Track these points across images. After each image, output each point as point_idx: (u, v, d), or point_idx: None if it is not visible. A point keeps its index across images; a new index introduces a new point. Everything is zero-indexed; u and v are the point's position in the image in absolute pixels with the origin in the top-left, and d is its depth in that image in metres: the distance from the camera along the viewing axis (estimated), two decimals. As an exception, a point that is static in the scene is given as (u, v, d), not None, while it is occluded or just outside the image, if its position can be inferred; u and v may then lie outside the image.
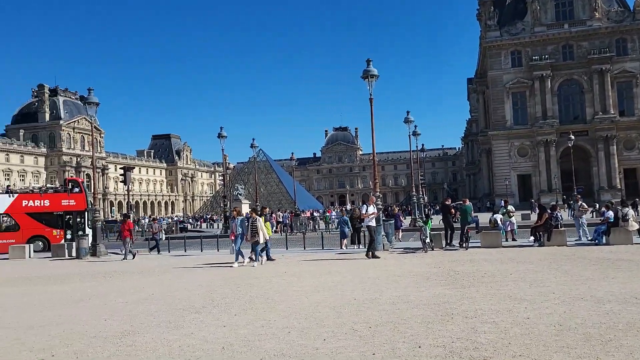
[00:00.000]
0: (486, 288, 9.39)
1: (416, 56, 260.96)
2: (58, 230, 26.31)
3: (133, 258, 19.50)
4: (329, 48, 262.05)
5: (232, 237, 15.86)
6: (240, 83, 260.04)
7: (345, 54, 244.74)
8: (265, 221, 17.16)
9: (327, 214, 47.61)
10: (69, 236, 25.90)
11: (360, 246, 19.81)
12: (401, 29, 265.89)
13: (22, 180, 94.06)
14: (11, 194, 26.69)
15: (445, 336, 6.05)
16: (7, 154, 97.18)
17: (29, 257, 22.18)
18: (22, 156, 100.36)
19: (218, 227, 49.37)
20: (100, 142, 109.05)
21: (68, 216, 26.78)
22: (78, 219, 26.52)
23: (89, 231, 24.77)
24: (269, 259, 16.41)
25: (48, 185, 58.49)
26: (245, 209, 61.84)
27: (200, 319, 7.65)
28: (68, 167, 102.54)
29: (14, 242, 24.02)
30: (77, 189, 27.39)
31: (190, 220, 61.55)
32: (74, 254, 21.62)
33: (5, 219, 26.11)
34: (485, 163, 79.37)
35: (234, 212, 16.73)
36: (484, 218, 27.66)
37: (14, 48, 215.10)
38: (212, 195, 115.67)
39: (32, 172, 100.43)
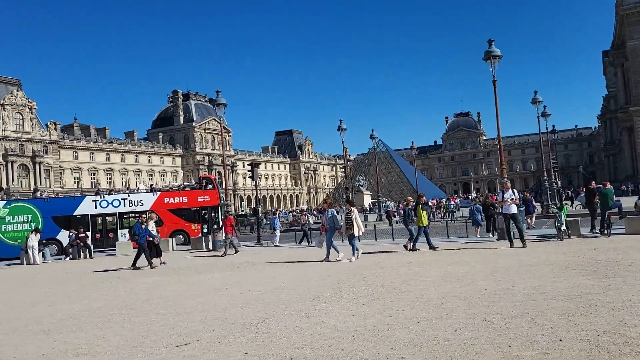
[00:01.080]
0: (634, 278, 8.57)
1: (541, 31, 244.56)
2: (196, 225, 28.37)
3: (235, 253, 19.73)
4: (446, 31, 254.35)
5: (323, 231, 15.19)
6: (357, 74, 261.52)
7: (464, 36, 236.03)
8: (422, 210, 16.19)
9: (448, 203, 46.22)
10: (205, 230, 27.84)
11: (495, 234, 18.91)
12: (523, 4, 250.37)
13: (163, 179, 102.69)
14: (155, 192, 29.21)
15: (590, 329, 5.61)
16: (149, 156, 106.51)
17: (172, 249, 24.16)
18: (161, 157, 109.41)
19: (341, 219, 50.24)
20: (228, 141, 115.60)
21: (204, 211, 28.78)
22: (212, 214, 28.39)
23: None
24: (413, 248, 15.74)
25: (185, 183, 63.27)
26: (367, 200, 62.25)
27: (329, 308, 7.83)
28: (201, 166, 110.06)
29: (160, 237, 26.28)
30: (210, 186, 29.32)
31: (314, 212, 63.20)
32: (210, 246, 23.19)
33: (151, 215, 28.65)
34: (627, 142, 72.43)
35: (325, 205, 15.98)
36: (627, 202, 25.27)
37: (152, 59, 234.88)
38: (334, 187, 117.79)
39: (170, 172, 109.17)
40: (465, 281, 9.50)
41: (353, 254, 14.40)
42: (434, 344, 5.49)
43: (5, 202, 27.10)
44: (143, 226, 17.50)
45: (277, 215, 25.43)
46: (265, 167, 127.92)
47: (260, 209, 34.24)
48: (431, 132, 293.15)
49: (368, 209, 56.79)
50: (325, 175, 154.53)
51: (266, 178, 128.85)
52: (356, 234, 14.43)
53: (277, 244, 23.36)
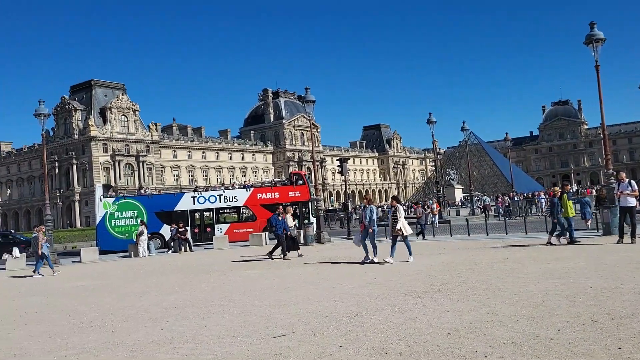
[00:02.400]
0: None
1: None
2: (287, 220, 29.02)
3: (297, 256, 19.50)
4: (543, 15, 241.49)
5: (362, 228, 14.13)
6: (447, 65, 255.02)
7: (561, 19, 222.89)
8: (568, 200, 14.89)
9: (538, 197, 43.66)
10: (296, 224, 28.39)
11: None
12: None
13: (255, 175, 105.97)
14: (248, 188, 30.22)
15: None
16: (242, 154, 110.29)
17: (265, 243, 24.89)
18: (253, 154, 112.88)
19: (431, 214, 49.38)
20: (317, 137, 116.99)
21: (294, 206, 29.37)
22: (303, 209, 28.92)
23: (313, 220, 26.85)
24: (572, 241, 14.46)
25: (276, 179, 64.89)
26: (459, 194, 60.66)
27: (422, 304, 7.73)
28: (291, 162, 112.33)
29: (253, 231, 27.21)
30: (301, 182, 29.88)
31: (404, 207, 62.58)
32: (301, 240, 23.63)
33: (244, 210, 29.68)
34: None
35: (365, 201, 14.76)
36: None
37: (244, 59, 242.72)
38: (423, 181, 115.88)
39: (262, 168, 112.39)
40: (568, 278, 9.02)
41: (410, 254, 13.42)
42: (536, 343, 5.27)
43: (114, 198, 29.14)
44: (280, 217, 17.41)
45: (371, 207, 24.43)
46: (354, 162, 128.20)
47: (349, 204, 34.42)
48: (526, 122, 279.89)
49: (459, 204, 55.32)
50: (415, 169, 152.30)
51: (354, 173, 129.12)
52: (406, 234, 13.41)
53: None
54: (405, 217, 14.05)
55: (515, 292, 8.09)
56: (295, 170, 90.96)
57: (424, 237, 21.42)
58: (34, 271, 17.40)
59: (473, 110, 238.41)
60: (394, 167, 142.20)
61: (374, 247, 13.76)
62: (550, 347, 5.11)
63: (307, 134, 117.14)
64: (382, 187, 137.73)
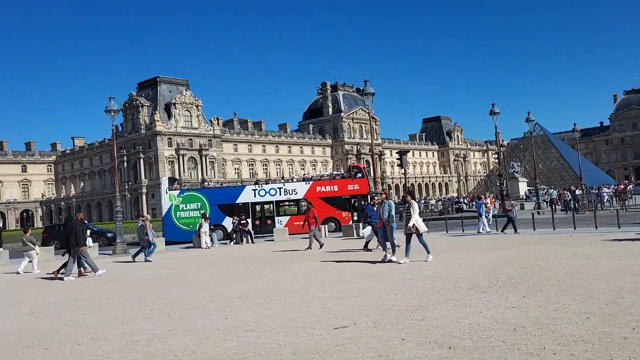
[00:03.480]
0: None
1: None
2: (346, 213, 29.09)
3: (320, 247, 18.89)
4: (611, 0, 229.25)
5: (380, 225, 13.36)
6: (510, 54, 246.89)
7: (634, 1, 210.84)
8: None
9: (600, 191, 41.29)
10: (355, 218, 28.43)
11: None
12: None
13: (314, 168, 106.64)
14: (307, 182, 30.46)
15: None
16: (301, 147, 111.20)
17: (325, 236, 25.02)
18: (312, 148, 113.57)
19: (495, 207, 48.07)
20: (376, 130, 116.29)
21: (353, 199, 29.39)
22: (362, 202, 28.86)
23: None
24: None
25: (334, 172, 64.94)
26: (523, 187, 58.70)
27: (487, 299, 7.56)
28: (350, 155, 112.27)
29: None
30: (360, 175, 29.82)
31: (465, 200, 61.25)
32: (360, 233, 23.60)
33: (303, 203, 29.96)
34: None
35: (382, 196, 13.66)
36: None
37: (303, 53, 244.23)
38: (485, 174, 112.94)
39: (320, 161, 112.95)
40: (643, 276, 8.58)
41: (428, 253, 12.70)
42: (608, 341, 5.05)
43: (179, 191, 30.12)
44: (375, 208, 16.52)
45: (482, 200, 22.90)
46: (413, 155, 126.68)
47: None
48: (596, 112, 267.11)
49: (524, 197, 53.57)
50: (476, 161, 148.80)
51: (414, 166, 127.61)
52: (421, 231, 12.70)
53: (481, 231, 21.24)
54: (465, 211, 13.66)
55: (586, 289, 7.78)
56: (354, 163, 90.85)
57: (515, 230, 19.65)
58: (145, 257, 18.72)
59: (538, 100, 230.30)
60: (454, 160, 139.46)
61: (393, 245, 13.08)
62: (624, 346, 4.89)
63: (365, 127, 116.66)
64: (442, 180, 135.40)
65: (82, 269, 14.99)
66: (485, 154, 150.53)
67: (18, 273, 16.68)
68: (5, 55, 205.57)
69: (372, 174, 32.05)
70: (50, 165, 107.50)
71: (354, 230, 24.40)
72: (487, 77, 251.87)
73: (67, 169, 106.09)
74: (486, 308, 6.94)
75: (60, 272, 14.64)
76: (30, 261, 17.22)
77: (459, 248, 15.60)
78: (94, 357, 5.79)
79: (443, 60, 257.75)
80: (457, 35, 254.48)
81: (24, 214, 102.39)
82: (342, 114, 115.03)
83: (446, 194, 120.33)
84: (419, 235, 12.70)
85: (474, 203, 55.60)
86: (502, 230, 20.33)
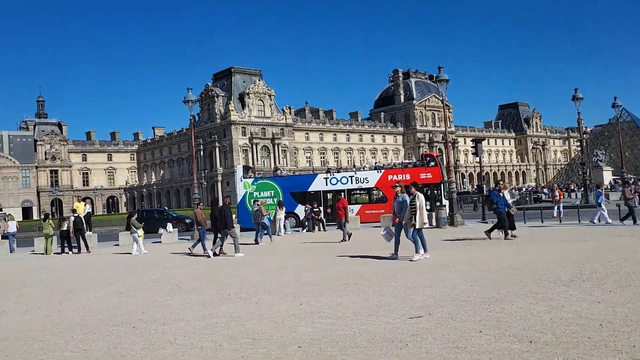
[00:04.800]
0: None
1: None
2: (420, 201, 28.66)
3: (348, 239, 18.36)
4: None
5: (396, 221, 12.29)
6: (592, 35, 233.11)
7: None
8: None
9: None
10: (428, 207, 27.94)
11: None
12: None
13: (385, 157, 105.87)
14: (379, 170, 30.29)
15: None
16: (372, 135, 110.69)
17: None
18: (383, 136, 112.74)
19: (576, 197, 45.82)
20: (449, 117, 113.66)
21: (426, 188, 28.89)
22: (435, 191, 28.36)
23: (445, 202, 26.24)
24: None
25: (406, 160, 64.21)
26: (608, 176, 55.53)
27: (569, 293, 7.25)
28: (422, 143, 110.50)
29: (384, 212, 27.26)
30: (432, 163, 29.26)
31: (545, 190, 58.71)
32: (433, 223, 23.24)
33: (375, 191, 29.82)
34: None
35: (398, 188, 12.50)
36: None
37: (374, 40, 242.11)
38: (566, 162, 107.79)
39: (392, 150, 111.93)
40: None
41: (416, 252, 11.69)
42: None
43: (253, 179, 30.81)
44: (501, 194, 15.69)
45: (601, 189, 21.31)
46: (488, 143, 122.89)
47: (484, 186, 33.14)
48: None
49: (609, 187, 50.69)
50: (556, 149, 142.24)
51: (489, 154, 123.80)
52: (418, 226, 11.58)
53: (602, 221, 19.47)
54: (543, 201, 12.99)
55: (680, 286, 7.28)
56: (426, 151, 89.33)
57: (635, 221, 18.09)
58: (259, 239, 20.18)
59: (624, 84, 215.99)
60: (532, 148, 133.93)
61: (415, 241, 11.82)
62: None
63: (438, 115, 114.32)
64: (519, 169, 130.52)
65: (219, 248, 16.06)
66: (567, 142, 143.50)
67: (130, 254, 18.08)
68: (92, 53, 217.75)
69: (445, 163, 31.37)
70: (133, 154, 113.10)
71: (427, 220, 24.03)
72: (568, 61, 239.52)
73: (148, 158, 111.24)
74: (569, 302, 6.66)
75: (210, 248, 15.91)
76: (137, 243, 18.43)
77: (539, 240, 15.02)
78: (177, 337, 6.07)
79: (521, 44, 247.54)
80: (536, 16, 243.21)
81: (110, 200, 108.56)
82: (414, 102, 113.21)
83: (523, 183, 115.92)
84: (417, 230, 11.65)
85: (394, 201, 52.75)
86: (621, 221, 18.89)
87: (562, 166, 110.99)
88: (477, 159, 27.11)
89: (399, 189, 12.32)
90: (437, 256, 12.52)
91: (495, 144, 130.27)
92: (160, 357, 5.30)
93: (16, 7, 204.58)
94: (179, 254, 17.46)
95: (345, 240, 18.35)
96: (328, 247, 16.92)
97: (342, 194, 29.77)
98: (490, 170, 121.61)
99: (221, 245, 16.19)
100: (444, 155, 46.99)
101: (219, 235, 16.15)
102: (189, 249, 17.42)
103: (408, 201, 11.87)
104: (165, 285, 10.37)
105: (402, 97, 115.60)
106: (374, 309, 6.93)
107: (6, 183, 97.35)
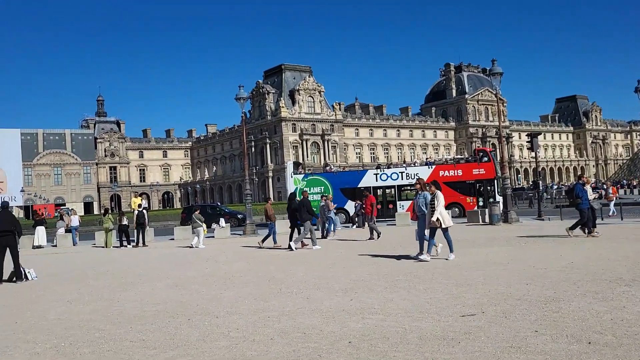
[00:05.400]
0: None
1: None
2: (471, 198, 28.15)
3: (378, 237, 17.95)
4: None
5: (413, 218, 12.10)
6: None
7: None
8: None
9: None
10: (481, 203, 27.42)
11: None
12: None
13: (436, 152, 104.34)
14: (430, 166, 29.90)
15: None
16: (422, 131, 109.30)
17: (449, 222, 24.46)
18: (434, 131, 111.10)
19: (639, 193, 43.79)
20: (503, 112, 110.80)
21: (478, 184, 28.34)
22: (488, 187, 27.76)
23: (499, 198, 25.64)
24: None
25: (458, 156, 63.07)
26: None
27: (631, 293, 6.96)
28: (474, 138, 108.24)
29: (435, 209, 26.94)
30: (486, 159, 28.65)
31: (604, 186, 56.31)
32: (486, 220, 22.76)
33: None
34: None
35: (417, 185, 11.90)
36: None
37: (425, 34, 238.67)
38: (628, 157, 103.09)
39: (443, 145, 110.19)
40: None
41: (451, 251, 11.40)
42: None
43: (303, 175, 31.08)
44: (585, 188, 14.97)
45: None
46: (544, 138, 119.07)
47: (540, 182, 32.17)
48: None
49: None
50: (618, 144, 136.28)
51: (545, 149, 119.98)
52: (444, 225, 11.23)
53: None
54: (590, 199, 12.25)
55: None
56: (479, 146, 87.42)
57: None
58: (332, 232, 20.90)
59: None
60: (592, 142, 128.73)
61: (449, 241, 11.56)
62: None
63: (492, 109, 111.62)
64: (578, 164, 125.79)
65: (300, 243, 16.12)
66: (629, 136, 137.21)
67: (191, 247, 18.80)
68: (147, 53, 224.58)
69: (499, 158, 30.61)
70: (187, 151, 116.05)
71: (479, 217, 23.57)
72: (630, 51, 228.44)
73: (202, 154, 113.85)
74: (631, 303, 6.39)
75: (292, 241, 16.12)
76: (198, 237, 19.01)
77: (599, 238, 14.44)
78: (230, 330, 6.21)
79: (579, 34, 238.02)
80: (594, 5, 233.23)
81: (165, 195, 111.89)
82: (466, 96, 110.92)
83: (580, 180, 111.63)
84: (444, 230, 11.37)
85: (415, 199, 50.47)
86: None
87: (624, 161, 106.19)
88: (533, 154, 26.35)
89: (418, 186, 11.88)
90: (490, 253, 12.27)
91: (552, 138, 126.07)
92: (214, 349, 5.44)
93: (78, 10, 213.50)
94: (231, 249, 17.83)
95: (374, 239, 17.91)
96: (376, 244, 16.87)
97: (392, 190, 29.61)
98: (547, 165, 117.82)
99: (305, 238, 16.19)
100: (498, 150, 45.90)
101: (302, 228, 16.26)
102: (259, 243, 17.70)
103: (429, 199, 11.51)
104: (219, 279, 10.61)
105: (453, 91, 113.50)
106: (425, 306, 6.86)
107: (69, 179, 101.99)
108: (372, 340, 5.38)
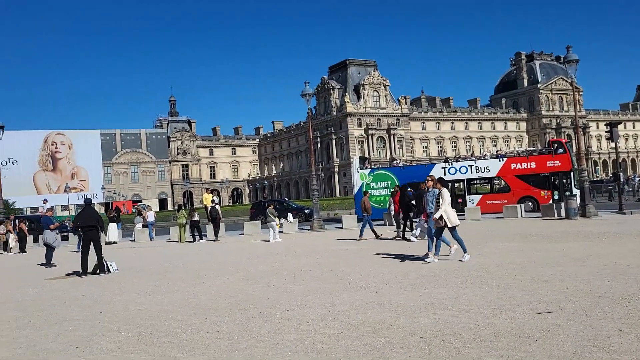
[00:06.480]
0: None
1: None
2: (545, 191, 27.05)
3: (416, 238, 16.62)
4: None
5: (424, 217, 11.75)
6: None
7: None
8: None
9: None
10: (556, 197, 26.30)
11: None
12: None
13: (507, 144, 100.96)
14: (501, 158, 28.97)
15: None
16: (492, 122, 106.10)
17: (520, 216, 23.66)
18: (505, 123, 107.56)
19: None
20: (579, 101, 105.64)
21: (553, 177, 27.18)
22: (564, 180, 26.58)
23: (576, 191, 24.52)
24: None
25: (531, 148, 60.74)
26: None
27: None
28: (548, 129, 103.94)
29: (506, 203, 26.10)
30: (561, 150, 27.43)
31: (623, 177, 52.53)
32: (562, 214, 21.81)
33: (496, 181, 28.61)
34: None
35: (429, 182, 11.49)
36: None
37: (495, 22, 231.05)
38: None
39: (514, 137, 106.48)
40: None
41: (465, 251, 10.77)
42: None
43: (369, 170, 30.95)
44: None
45: None
46: (625, 127, 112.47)
47: (621, 174, 30.44)
48: None
49: None
50: None
51: (626, 139, 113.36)
52: (450, 224, 10.64)
53: None
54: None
55: None
56: (553, 137, 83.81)
57: None
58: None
59: None
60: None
61: (460, 242, 10.94)
62: None
63: (567, 98, 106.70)
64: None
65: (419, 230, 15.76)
66: None
67: (267, 241, 19.34)
68: (216, 53, 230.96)
69: (575, 149, 29.21)
70: (255, 148, 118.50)
71: (554, 210, 22.62)
72: None
73: (269, 151, 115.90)
74: None
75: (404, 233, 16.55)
76: (273, 231, 19.55)
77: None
78: (301, 323, 6.30)
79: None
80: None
81: (234, 191, 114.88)
82: (538, 85, 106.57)
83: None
84: (452, 230, 10.79)
85: (425, 196, 46.93)
86: None
87: None
88: (612, 144, 24.96)
89: (430, 183, 11.44)
90: (567, 249, 11.77)
91: (634, 127, 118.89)
92: (286, 341, 5.53)
93: (151, 18, 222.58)
94: (299, 243, 18.06)
95: (399, 237, 17.17)
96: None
97: (461, 184, 28.95)
98: (628, 156, 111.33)
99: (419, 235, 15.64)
100: (574, 141, 43.83)
101: (419, 220, 15.64)
102: (359, 237, 17.73)
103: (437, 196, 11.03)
104: (288, 273, 10.78)
105: (525, 80, 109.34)
106: (499, 302, 6.67)
107: (145, 177, 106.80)
108: (444, 336, 5.30)
